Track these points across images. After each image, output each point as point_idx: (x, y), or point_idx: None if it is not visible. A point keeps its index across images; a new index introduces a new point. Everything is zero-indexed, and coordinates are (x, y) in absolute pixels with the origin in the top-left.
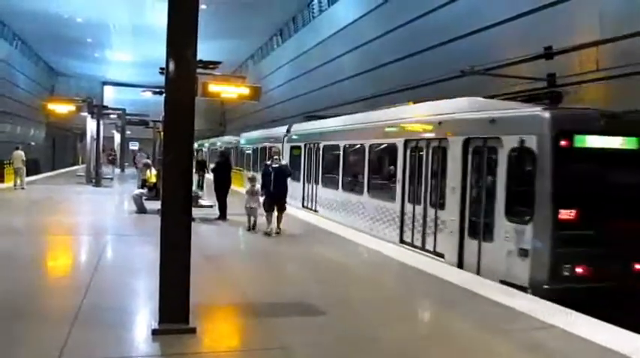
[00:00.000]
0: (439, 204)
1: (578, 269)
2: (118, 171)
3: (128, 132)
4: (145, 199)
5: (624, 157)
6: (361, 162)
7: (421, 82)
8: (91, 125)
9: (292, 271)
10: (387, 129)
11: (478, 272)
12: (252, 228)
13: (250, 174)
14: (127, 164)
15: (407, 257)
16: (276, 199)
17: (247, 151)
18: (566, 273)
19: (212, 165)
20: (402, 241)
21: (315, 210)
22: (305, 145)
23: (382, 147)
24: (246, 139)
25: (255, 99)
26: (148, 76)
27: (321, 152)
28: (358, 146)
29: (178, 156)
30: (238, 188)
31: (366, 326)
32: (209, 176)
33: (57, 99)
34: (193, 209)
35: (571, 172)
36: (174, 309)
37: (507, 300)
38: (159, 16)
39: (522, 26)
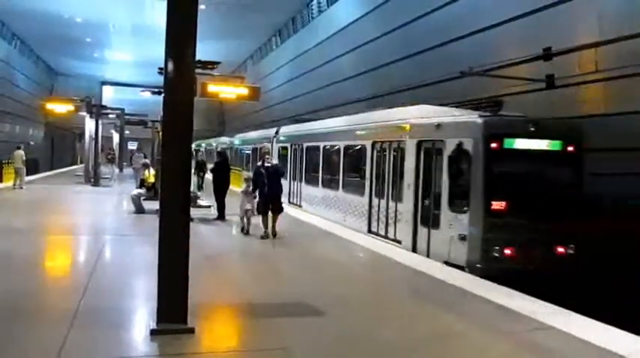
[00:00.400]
0: (398, 197)
1: (507, 251)
2: (116, 170)
3: (127, 132)
4: (144, 199)
5: (548, 157)
6: (337, 162)
7: (421, 83)
8: (89, 125)
9: (291, 271)
10: (358, 132)
11: (428, 256)
12: (246, 231)
13: (246, 174)
14: (125, 164)
15: (405, 258)
16: (270, 200)
17: (241, 151)
18: (496, 255)
19: (210, 166)
20: (369, 231)
21: (300, 205)
22: (291, 146)
23: (354, 148)
24: (240, 140)
25: (255, 100)
26: (147, 75)
27: (304, 152)
28: (335, 147)
29: (177, 156)
30: (237, 188)
31: (365, 327)
32: (209, 176)
33: (56, 98)
34: (192, 209)
35: (501, 170)
36: (173, 309)
37: (507, 301)
38: (158, 16)
39: (522, 27)
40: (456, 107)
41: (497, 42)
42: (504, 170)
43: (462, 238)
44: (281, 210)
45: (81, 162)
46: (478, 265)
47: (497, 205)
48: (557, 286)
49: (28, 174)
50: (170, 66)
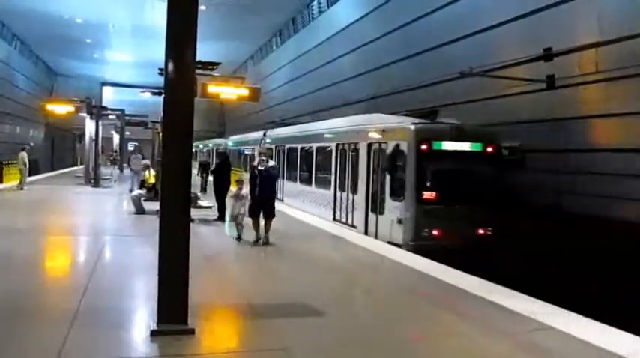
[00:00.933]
0: (355, 190)
1: (435, 232)
2: (117, 171)
3: (127, 133)
4: (144, 200)
5: (470, 156)
6: (311, 161)
7: (421, 84)
8: (89, 126)
9: (290, 271)
10: (326, 136)
11: (376, 237)
12: (238, 236)
13: (238, 176)
14: (125, 165)
15: (403, 258)
16: (262, 204)
17: (235, 152)
18: (426, 235)
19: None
20: (334, 219)
21: (282, 200)
22: (275, 147)
23: (324, 149)
24: (234, 141)
25: (255, 100)
26: (147, 76)
27: (286, 153)
28: (309, 148)
29: (177, 157)
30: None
31: (364, 327)
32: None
33: (56, 99)
34: (192, 210)
35: (430, 167)
36: (173, 310)
37: (506, 302)
38: (158, 17)
39: (522, 28)
40: (406, 115)
41: (497, 42)
42: (433, 167)
43: (400, 222)
44: (273, 215)
45: (81, 163)
46: (411, 243)
47: (428, 195)
48: (476, 260)
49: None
50: (170, 66)
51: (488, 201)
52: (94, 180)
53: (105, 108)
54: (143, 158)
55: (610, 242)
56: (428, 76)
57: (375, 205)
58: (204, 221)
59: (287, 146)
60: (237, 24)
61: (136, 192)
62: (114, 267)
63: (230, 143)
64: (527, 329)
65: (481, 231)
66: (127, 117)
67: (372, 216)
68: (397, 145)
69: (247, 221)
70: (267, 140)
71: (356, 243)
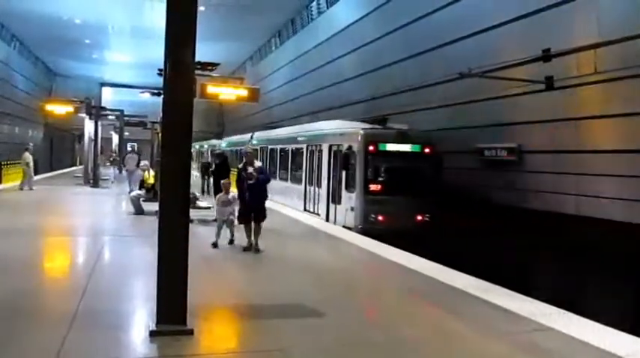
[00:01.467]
0: (319, 184)
1: (380, 218)
2: (116, 172)
3: (126, 134)
4: (143, 200)
5: (411, 156)
6: (287, 160)
7: (421, 84)
8: (89, 126)
9: (288, 271)
10: (299, 139)
11: (335, 223)
12: (230, 241)
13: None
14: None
15: (398, 257)
16: (252, 209)
17: (229, 153)
18: (372, 220)
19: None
20: (305, 209)
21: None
22: (260, 148)
23: (298, 150)
24: (227, 142)
25: (254, 101)
26: (147, 77)
27: (269, 153)
28: (287, 149)
29: (176, 158)
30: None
31: (363, 327)
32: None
33: (55, 100)
34: (191, 210)
35: (376, 164)
36: (172, 310)
37: (505, 302)
38: (157, 18)
39: (521, 29)
40: (362, 121)
41: (497, 43)
42: (379, 164)
43: (352, 209)
44: (264, 217)
45: (80, 164)
46: (360, 226)
47: (374, 187)
48: (416, 240)
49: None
50: (169, 67)
51: (427, 193)
52: (93, 180)
53: (104, 108)
54: (139, 158)
55: (516, 223)
56: (429, 76)
57: (334, 196)
58: (203, 221)
59: (269, 147)
60: (237, 24)
61: (135, 192)
62: (113, 268)
63: (224, 144)
64: (526, 330)
65: (420, 217)
66: (126, 118)
67: (332, 206)
68: (350, 147)
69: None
70: (254, 141)
71: (350, 242)
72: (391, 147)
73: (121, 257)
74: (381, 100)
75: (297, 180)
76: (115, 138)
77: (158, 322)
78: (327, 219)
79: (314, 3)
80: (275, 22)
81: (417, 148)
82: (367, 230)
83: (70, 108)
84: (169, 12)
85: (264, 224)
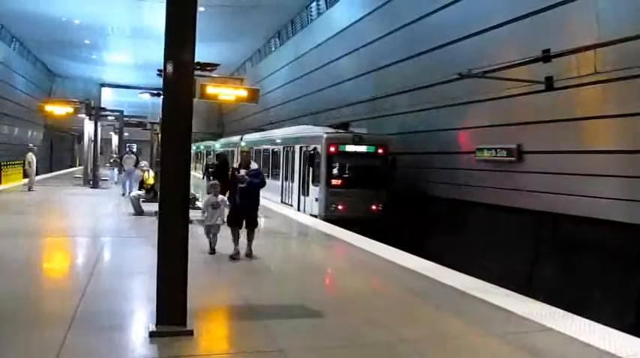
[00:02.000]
0: (292, 179)
1: (340, 207)
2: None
3: (126, 134)
4: (143, 201)
5: (366, 155)
6: (269, 159)
7: (421, 85)
8: (88, 127)
9: (288, 272)
10: (277, 141)
11: (304, 212)
12: (212, 250)
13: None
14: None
15: (396, 258)
16: (242, 213)
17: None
18: (333, 209)
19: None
20: (281, 201)
21: None
22: (248, 149)
23: (276, 150)
24: (220, 143)
25: (254, 102)
26: (146, 77)
27: (254, 153)
28: (269, 149)
29: (176, 158)
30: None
31: (362, 328)
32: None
33: (55, 100)
34: (191, 211)
35: (336, 163)
36: (172, 311)
37: (504, 302)
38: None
39: (521, 29)
40: (328, 126)
41: (496, 44)
42: (339, 163)
43: (317, 200)
44: (256, 225)
45: (80, 165)
46: (323, 214)
47: (335, 182)
48: (371, 226)
49: (26, 177)
50: (169, 68)
51: (380, 186)
52: (93, 181)
53: (103, 109)
54: (137, 158)
55: (441, 208)
56: (428, 77)
57: (304, 190)
58: (203, 222)
59: (255, 148)
60: (236, 25)
61: (135, 192)
62: (112, 268)
63: (218, 145)
64: (525, 330)
65: (374, 207)
66: (125, 119)
67: (302, 198)
68: (315, 148)
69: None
70: (243, 143)
71: (347, 241)
72: (349, 148)
73: (120, 257)
74: (381, 101)
75: (275, 176)
76: (115, 139)
77: (158, 323)
78: (299, 209)
79: (313, 4)
80: (274, 22)
81: (371, 149)
82: (329, 217)
83: (69, 109)
84: (169, 12)
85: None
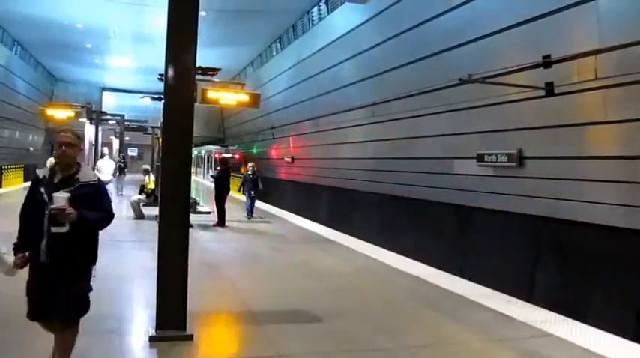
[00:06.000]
0: (207, 168)
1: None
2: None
3: (127, 138)
4: (143, 205)
5: (230, 158)
6: (202, 160)
7: (422, 90)
8: (89, 131)
9: (290, 277)
10: (207, 151)
11: (207, 179)
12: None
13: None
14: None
15: (397, 263)
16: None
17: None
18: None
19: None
20: (203, 177)
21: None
22: (205, 154)
23: (206, 156)
24: (206, 150)
25: (255, 107)
26: (148, 82)
27: (205, 157)
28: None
29: (177, 162)
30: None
31: (363, 334)
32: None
33: (56, 104)
34: (191, 215)
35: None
36: (172, 316)
37: (505, 308)
38: (159, 23)
39: (522, 35)
40: (221, 146)
41: (498, 49)
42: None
43: (209, 174)
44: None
45: None
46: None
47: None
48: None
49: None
50: (170, 72)
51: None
52: None
53: (104, 113)
54: (124, 160)
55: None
56: (429, 82)
57: (208, 172)
58: (204, 226)
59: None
60: (238, 30)
61: (135, 197)
62: (112, 272)
63: (204, 151)
64: (526, 336)
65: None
66: (126, 123)
67: (207, 175)
68: (209, 156)
69: (242, 224)
70: (202, 151)
71: (349, 247)
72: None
73: (120, 262)
74: (382, 106)
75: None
76: (116, 143)
77: (158, 327)
78: (203, 177)
79: (314, 9)
80: (276, 27)
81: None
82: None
83: (70, 113)
84: (170, 17)
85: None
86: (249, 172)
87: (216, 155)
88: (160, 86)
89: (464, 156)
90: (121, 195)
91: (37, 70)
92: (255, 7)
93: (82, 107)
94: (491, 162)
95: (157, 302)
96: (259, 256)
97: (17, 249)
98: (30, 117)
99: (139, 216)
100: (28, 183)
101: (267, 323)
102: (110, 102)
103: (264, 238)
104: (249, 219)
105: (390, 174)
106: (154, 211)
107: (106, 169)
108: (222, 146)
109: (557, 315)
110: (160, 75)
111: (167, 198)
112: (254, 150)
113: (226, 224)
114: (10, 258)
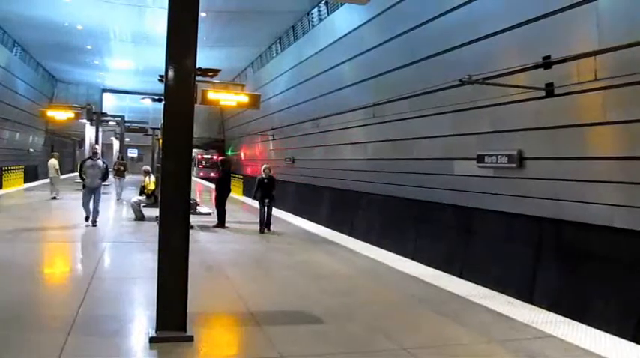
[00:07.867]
0: (194, 165)
1: (201, 174)
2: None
3: (127, 139)
4: (144, 206)
5: (210, 159)
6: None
7: (422, 91)
8: (90, 132)
9: (291, 278)
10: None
11: (197, 176)
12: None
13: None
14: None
15: (397, 264)
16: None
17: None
18: (201, 174)
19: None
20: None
21: None
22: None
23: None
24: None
25: (255, 108)
26: (148, 83)
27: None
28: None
29: (177, 164)
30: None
31: (363, 334)
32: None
33: (56, 106)
34: (191, 216)
35: (202, 161)
36: (172, 317)
37: (506, 309)
38: (159, 24)
39: (522, 35)
40: (205, 150)
41: (498, 50)
42: (203, 161)
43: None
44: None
45: None
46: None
47: (202, 174)
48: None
49: (27, 181)
50: (170, 73)
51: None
52: None
53: (105, 114)
54: (123, 161)
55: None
56: (429, 83)
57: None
58: (204, 227)
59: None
60: (238, 31)
61: (136, 198)
62: (113, 274)
63: (194, 152)
64: (526, 337)
65: (212, 174)
66: (126, 124)
67: (193, 170)
68: (193, 158)
69: (242, 225)
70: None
71: (350, 248)
72: (205, 155)
73: (120, 263)
74: (382, 107)
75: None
76: (116, 144)
77: (158, 328)
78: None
79: (315, 10)
80: (276, 28)
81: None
82: (195, 177)
83: (71, 114)
84: (170, 18)
85: None
86: (264, 176)
87: (201, 157)
88: (161, 87)
89: (464, 157)
90: (119, 200)
91: (38, 71)
92: (255, 8)
93: (83, 108)
94: (492, 163)
95: (158, 303)
96: (260, 257)
97: None
98: (30, 119)
99: (140, 217)
100: (29, 184)
101: (267, 325)
102: (110, 104)
103: (265, 239)
104: (263, 232)
105: (390, 175)
106: (155, 212)
107: (91, 173)
108: (203, 149)
109: (559, 316)
110: (160, 76)
111: (167, 199)
112: (256, 151)
113: (227, 225)
114: None
